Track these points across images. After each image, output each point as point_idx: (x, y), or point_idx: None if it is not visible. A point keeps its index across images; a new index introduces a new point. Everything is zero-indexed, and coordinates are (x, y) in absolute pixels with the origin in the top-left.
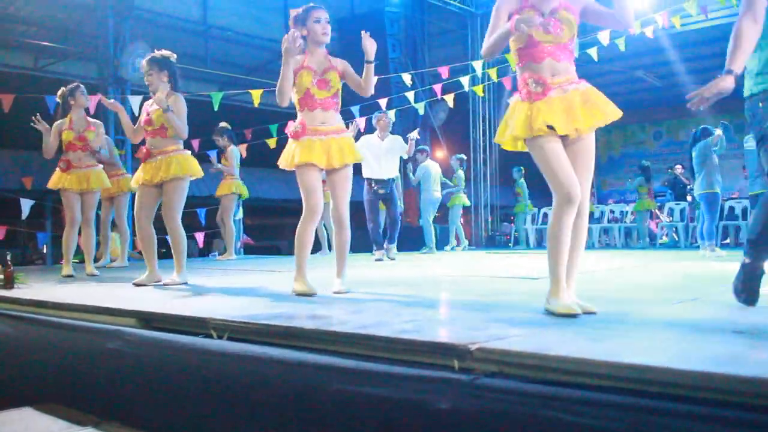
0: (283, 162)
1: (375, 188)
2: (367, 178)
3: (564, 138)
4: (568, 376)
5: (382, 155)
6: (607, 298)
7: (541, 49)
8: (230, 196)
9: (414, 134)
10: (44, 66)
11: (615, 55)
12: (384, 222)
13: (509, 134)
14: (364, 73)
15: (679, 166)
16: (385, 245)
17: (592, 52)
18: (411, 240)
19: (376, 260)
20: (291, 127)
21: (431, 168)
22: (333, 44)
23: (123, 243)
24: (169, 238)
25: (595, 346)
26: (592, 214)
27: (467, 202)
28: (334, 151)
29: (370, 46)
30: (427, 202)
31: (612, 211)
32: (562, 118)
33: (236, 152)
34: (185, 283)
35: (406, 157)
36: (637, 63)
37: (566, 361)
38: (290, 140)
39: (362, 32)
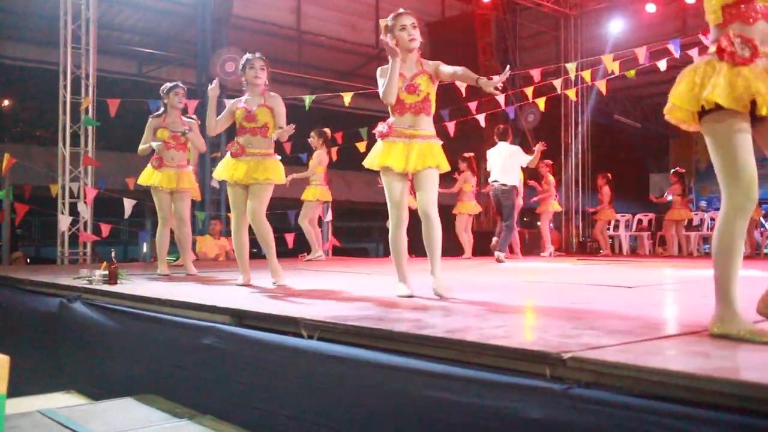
0: (369, 162)
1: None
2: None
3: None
4: (669, 390)
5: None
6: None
7: (753, 8)
8: (313, 202)
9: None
10: (147, 72)
11: None
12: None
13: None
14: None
15: None
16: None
17: (694, 52)
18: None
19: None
20: (378, 127)
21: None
22: (423, 47)
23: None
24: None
25: (699, 361)
26: (690, 221)
27: (558, 208)
28: (414, 155)
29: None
30: None
31: (712, 219)
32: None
33: (323, 156)
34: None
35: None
36: None
37: (668, 374)
38: (377, 141)
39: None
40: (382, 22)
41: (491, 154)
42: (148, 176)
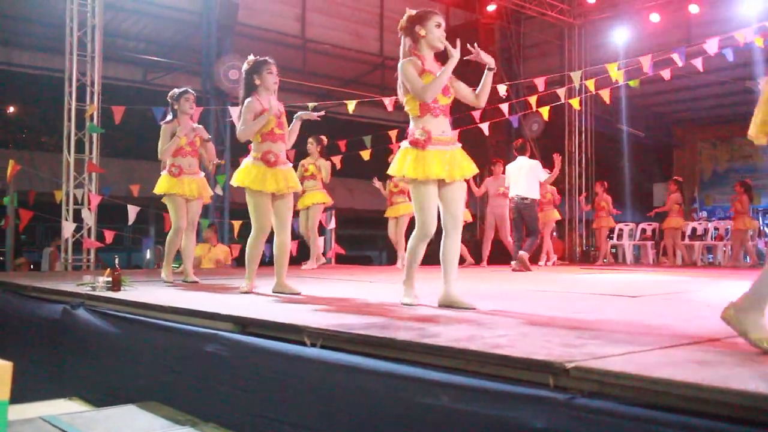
0: (407, 171)
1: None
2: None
3: None
4: (674, 401)
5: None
6: (716, 320)
7: None
8: (318, 206)
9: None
10: (152, 79)
11: (722, 65)
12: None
13: None
14: (482, 81)
15: None
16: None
17: (698, 62)
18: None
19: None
20: (415, 134)
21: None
22: None
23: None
24: (276, 249)
25: (703, 371)
26: (694, 230)
27: (558, 216)
28: (456, 164)
29: (486, 56)
30: None
31: (716, 229)
32: None
33: (325, 162)
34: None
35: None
36: (744, 73)
37: (672, 384)
38: (408, 147)
39: (474, 46)
40: (409, 11)
41: (510, 168)
42: (169, 185)
